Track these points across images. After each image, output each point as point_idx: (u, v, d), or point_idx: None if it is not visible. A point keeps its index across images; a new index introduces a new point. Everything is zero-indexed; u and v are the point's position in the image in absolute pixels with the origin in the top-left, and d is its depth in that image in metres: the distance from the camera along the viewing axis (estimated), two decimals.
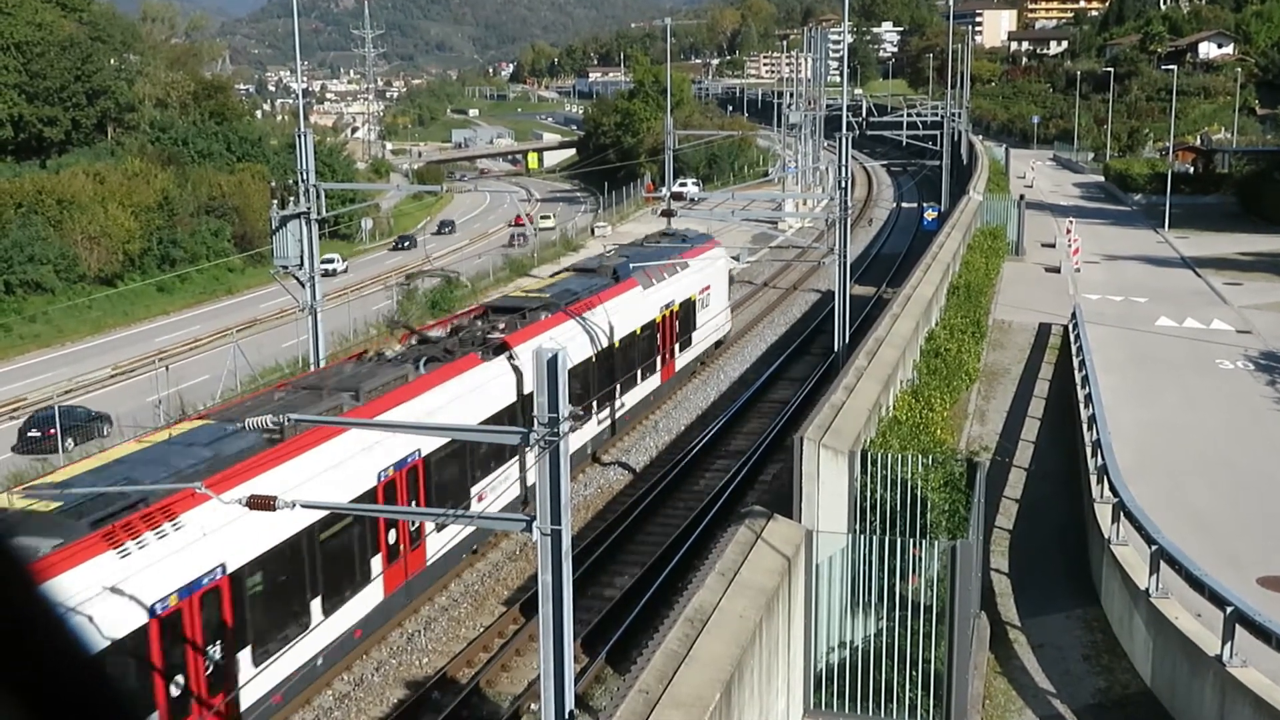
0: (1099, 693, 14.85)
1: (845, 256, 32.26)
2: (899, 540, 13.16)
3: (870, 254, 61.78)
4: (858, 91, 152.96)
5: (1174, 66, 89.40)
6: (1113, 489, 17.37)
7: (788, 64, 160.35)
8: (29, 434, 32.33)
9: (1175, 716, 14.05)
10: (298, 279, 27.75)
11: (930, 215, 60.50)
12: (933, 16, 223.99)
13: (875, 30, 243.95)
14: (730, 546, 12.78)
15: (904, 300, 26.68)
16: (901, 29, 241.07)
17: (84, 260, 58.14)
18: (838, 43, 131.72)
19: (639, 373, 31.12)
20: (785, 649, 12.58)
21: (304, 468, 16.95)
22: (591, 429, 27.73)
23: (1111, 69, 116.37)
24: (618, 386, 29.55)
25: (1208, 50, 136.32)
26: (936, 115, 79.13)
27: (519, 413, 22.82)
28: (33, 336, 50.17)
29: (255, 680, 15.23)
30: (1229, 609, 12.90)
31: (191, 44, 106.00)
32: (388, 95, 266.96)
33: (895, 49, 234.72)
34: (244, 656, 15.61)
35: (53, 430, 31.08)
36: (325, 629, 17.37)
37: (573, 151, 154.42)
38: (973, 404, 27.01)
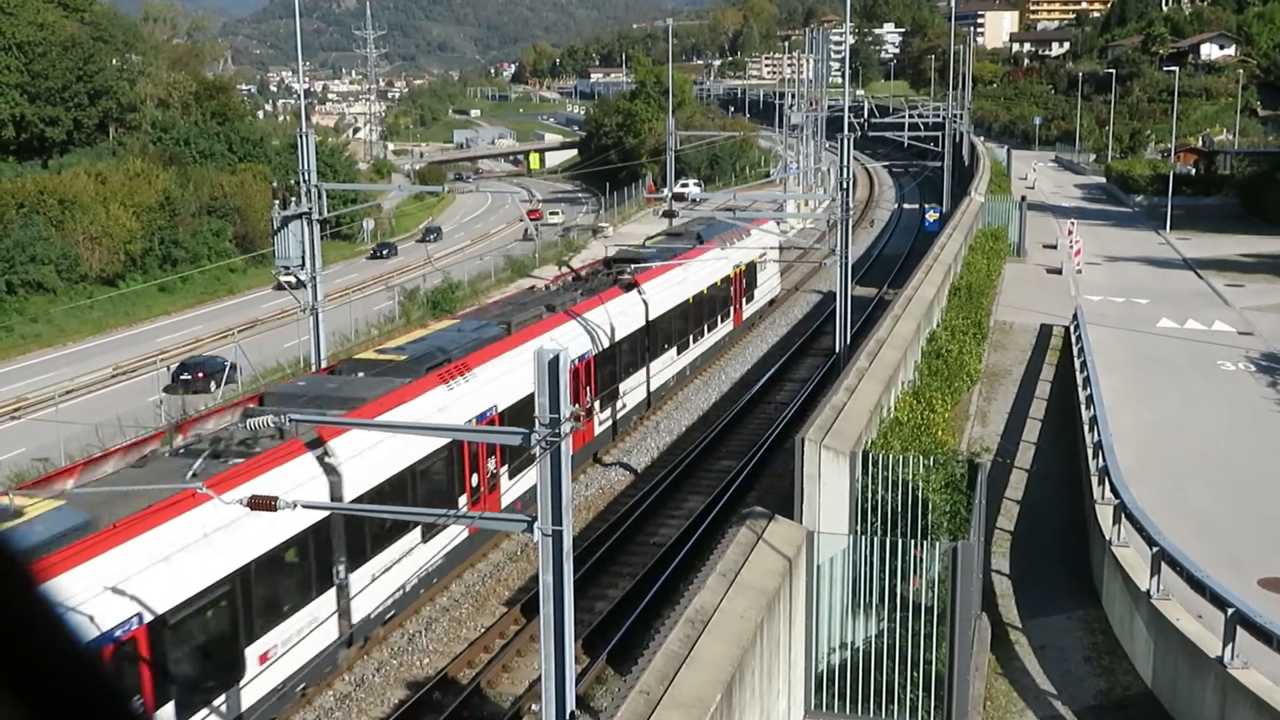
0: (1100, 694, 14.85)
1: (847, 257, 32.25)
2: (900, 541, 13.15)
3: (872, 255, 61.78)
4: (859, 92, 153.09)
5: (1176, 68, 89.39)
6: (1114, 490, 17.37)
7: (789, 65, 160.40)
8: (181, 377, 38.12)
9: (1176, 718, 14.05)
10: (299, 280, 27.74)
11: (932, 216, 60.49)
12: (934, 17, 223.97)
13: (877, 31, 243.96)
14: (731, 547, 12.78)
15: (905, 301, 26.68)
16: (903, 30, 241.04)
17: (85, 260, 58.16)
18: (839, 43, 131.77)
19: (718, 317, 38.14)
20: (786, 650, 12.58)
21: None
22: (687, 357, 35.39)
23: (1113, 70, 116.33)
24: (705, 326, 36.62)
25: (1209, 51, 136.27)
26: (938, 116, 79.13)
27: (645, 333, 31.44)
28: (34, 336, 50.19)
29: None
30: (1230, 610, 12.89)
31: (193, 44, 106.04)
32: (389, 96, 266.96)
33: (897, 50, 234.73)
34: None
35: (201, 374, 37.68)
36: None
37: (574, 152, 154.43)
38: (974, 405, 27.00)
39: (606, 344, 28.23)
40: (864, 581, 13.11)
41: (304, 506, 12.93)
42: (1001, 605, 17.32)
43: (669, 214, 41.91)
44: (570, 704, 11.82)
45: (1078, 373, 26.92)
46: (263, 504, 12.05)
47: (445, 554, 20.62)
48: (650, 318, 31.50)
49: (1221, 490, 20.29)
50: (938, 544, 13.19)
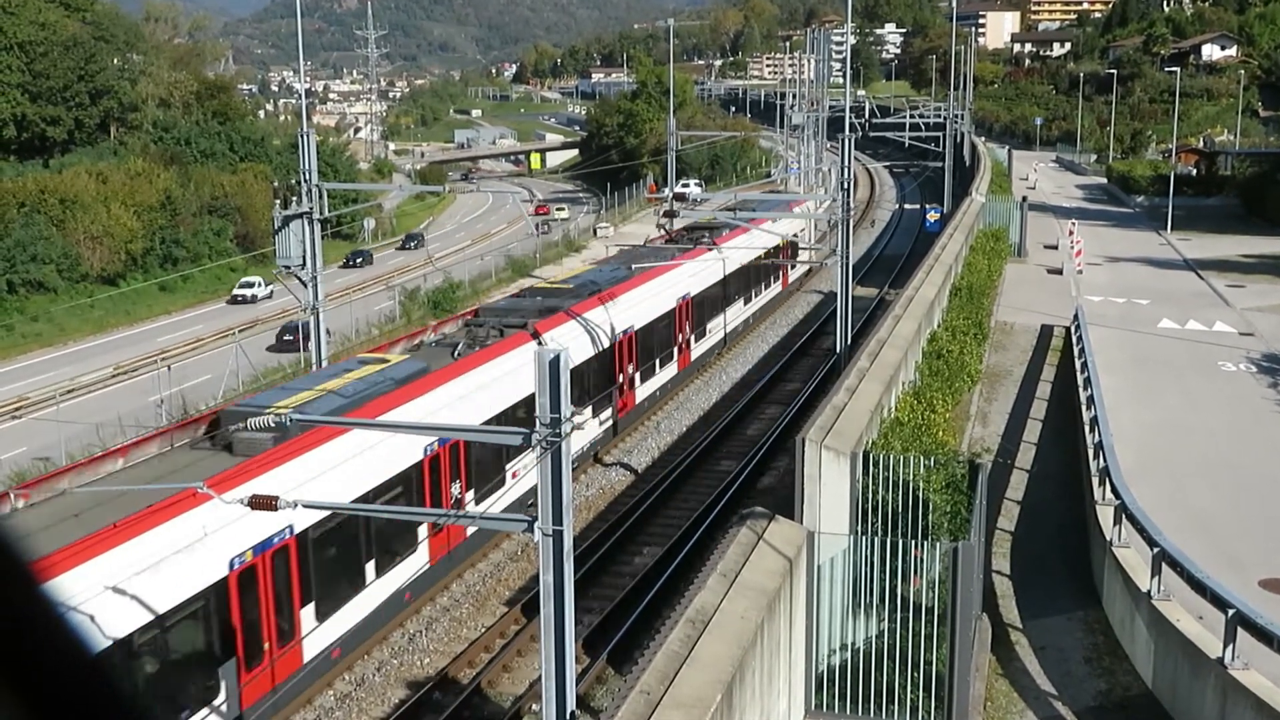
0: (1100, 695, 14.85)
1: (847, 258, 32.25)
2: (900, 542, 13.15)
3: (872, 255, 61.78)
4: (860, 93, 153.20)
5: (1177, 68, 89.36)
6: (1114, 491, 17.36)
7: (790, 65, 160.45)
8: (284, 338, 42.74)
9: (1177, 719, 14.05)
10: (300, 280, 27.76)
11: (933, 217, 60.50)
12: (935, 18, 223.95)
13: (878, 31, 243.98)
14: (732, 547, 12.78)
15: (906, 301, 26.67)
16: (904, 30, 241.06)
17: (86, 260, 58.18)
18: (840, 44, 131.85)
19: (771, 278, 44.95)
20: (786, 650, 12.58)
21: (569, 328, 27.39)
22: (752, 308, 42.17)
23: (1114, 71, 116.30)
24: (762, 284, 43.76)
25: (1211, 52, 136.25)
26: (939, 116, 79.11)
27: (723, 285, 38.23)
28: (35, 336, 50.19)
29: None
30: (1230, 611, 12.89)
31: (195, 44, 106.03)
32: (390, 95, 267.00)
33: (898, 50, 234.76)
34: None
35: (294, 336, 40.91)
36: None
37: (575, 152, 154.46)
38: (974, 405, 27.00)
39: (698, 290, 35.70)
40: (864, 582, 13.11)
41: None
42: (1002, 606, 17.32)
43: (670, 214, 41.95)
44: (571, 704, 11.82)
45: (1078, 373, 26.92)
46: None
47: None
48: (726, 272, 38.55)
49: (1222, 491, 20.29)
50: (938, 544, 13.19)
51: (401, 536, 19.70)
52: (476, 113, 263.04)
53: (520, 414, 21.94)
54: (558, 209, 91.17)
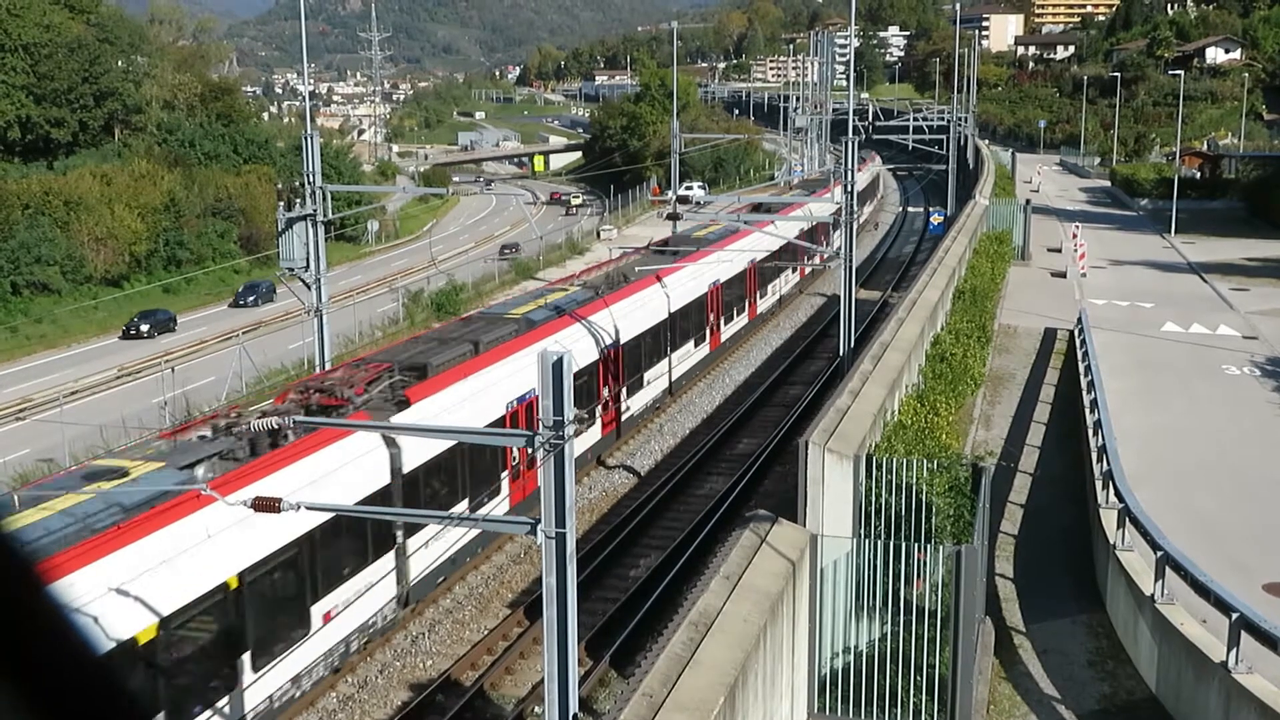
0: (1104, 699, 14.82)
1: (851, 260, 32.23)
2: (904, 545, 13.14)
3: (876, 258, 61.76)
4: (864, 95, 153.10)
5: (1181, 71, 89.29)
6: (1118, 494, 17.34)
7: (794, 68, 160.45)
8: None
9: None
10: (304, 282, 27.73)
11: (936, 219, 60.46)
12: (939, 21, 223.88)
13: (882, 34, 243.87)
14: (735, 550, 12.78)
15: (909, 304, 26.66)
16: (908, 33, 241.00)
17: (90, 261, 58.24)
18: (844, 46, 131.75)
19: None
20: (789, 653, 12.57)
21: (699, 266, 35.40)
22: (795, 278, 47.83)
23: (1118, 74, 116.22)
24: (805, 258, 46.65)
25: (1215, 55, 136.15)
26: (943, 119, 79.07)
27: (780, 255, 42.64)
28: (39, 337, 50.25)
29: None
30: (1234, 615, 12.87)
31: (199, 46, 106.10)
32: (394, 98, 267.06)
33: (902, 53, 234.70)
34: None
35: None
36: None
37: (579, 154, 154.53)
38: (978, 409, 26.98)
39: (741, 268, 39.94)
40: (867, 585, 13.10)
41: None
42: (1005, 609, 17.30)
43: (673, 216, 42.02)
44: (573, 706, 11.81)
45: (1082, 376, 26.89)
46: None
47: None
48: (777, 247, 41.87)
49: (1226, 495, 20.26)
50: (941, 548, 13.17)
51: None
52: (480, 115, 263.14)
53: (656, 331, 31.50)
54: (573, 196, 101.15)
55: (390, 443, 18.99)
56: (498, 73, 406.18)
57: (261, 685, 16.03)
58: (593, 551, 22.51)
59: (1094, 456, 20.57)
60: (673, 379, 33.65)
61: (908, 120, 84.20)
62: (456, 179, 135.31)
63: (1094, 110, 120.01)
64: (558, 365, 11.10)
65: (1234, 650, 12.85)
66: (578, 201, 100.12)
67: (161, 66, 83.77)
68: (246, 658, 15.74)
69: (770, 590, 12.04)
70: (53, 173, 67.23)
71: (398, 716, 17.26)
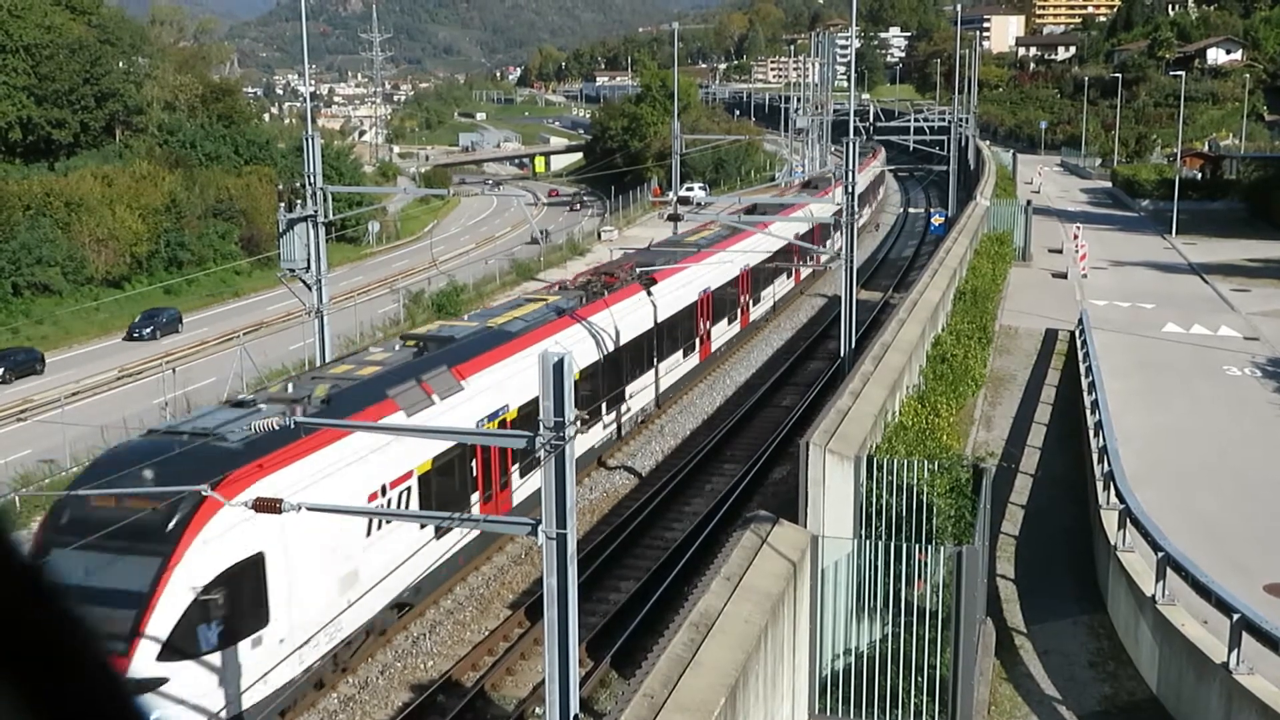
0: (1105, 699, 14.82)
1: (852, 261, 32.23)
2: (905, 546, 13.14)
3: (877, 259, 61.76)
4: (865, 96, 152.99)
5: (1182, 72, 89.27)
6: (1119, 495, 17.34)
7: (795, 68, 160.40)
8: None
9: None
10: (305, 283, 27.75)
11: (937, 220, 60.47)
12: (940, 21, 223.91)
13: (883, 35, 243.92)
14: (735, 551, 12.78)
15: (910, 305, 26.67)
16: (909, 34, 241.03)
17: (91, 262, 58.26)
18: (845, 47, 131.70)
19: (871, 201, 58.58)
20: (790, 654, 12.57)
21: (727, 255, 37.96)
22: (785, 286, 47.81)
23: (1119, 75, 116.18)
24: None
25: (1216, 56, 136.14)
26: (944, 120, 79.09)
27: (814, 234, 48.19)
28: (40, 338, 50.24)
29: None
30: (1235, 616, 12.86)
31: (200, 47, 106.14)
32: (395, 98, 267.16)
33: (903, 54, 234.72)
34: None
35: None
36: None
37: (580, 155, 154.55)
38: (979, 410, 26.98)
39: (767, 255, 41.88)
40: (868, 586, 13.10)
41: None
42: (1006, 610, 17.29)
43: (674, 217, 42.08)
44: (574, 707, 11.81)
45: (1083, 377, 26.88)
46: None
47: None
48: (806, 231, 47.16)
49: (1227, 495, 20.25)
50: (942, 548, 13.17)
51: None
52: (481, 116, 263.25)
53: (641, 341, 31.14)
54: (575, 197, 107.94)
55: (599, 329, 28.43)
56: (498, 74, 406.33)
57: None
58: (594, 552, 22.52)
59: (1095, 457, 20.57)
60: (659, 390, 32.61)
61: (909, 121, 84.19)
62: (463, 180, 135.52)
63: (1095, 111, 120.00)
64: (558, 366, 11.10)
65: (1235, 651, 12.84)
66: (571, 190, 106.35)
67: (163, 67, 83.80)
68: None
69: (771, 591, 12.04)
70: (54, 174, 67.24)
71: (399, 717, 17.26)
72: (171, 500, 14.89)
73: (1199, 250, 53.55)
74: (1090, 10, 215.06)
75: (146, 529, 14.81)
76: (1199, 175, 77.31)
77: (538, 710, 16.47)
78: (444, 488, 20.37)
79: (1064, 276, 46.04)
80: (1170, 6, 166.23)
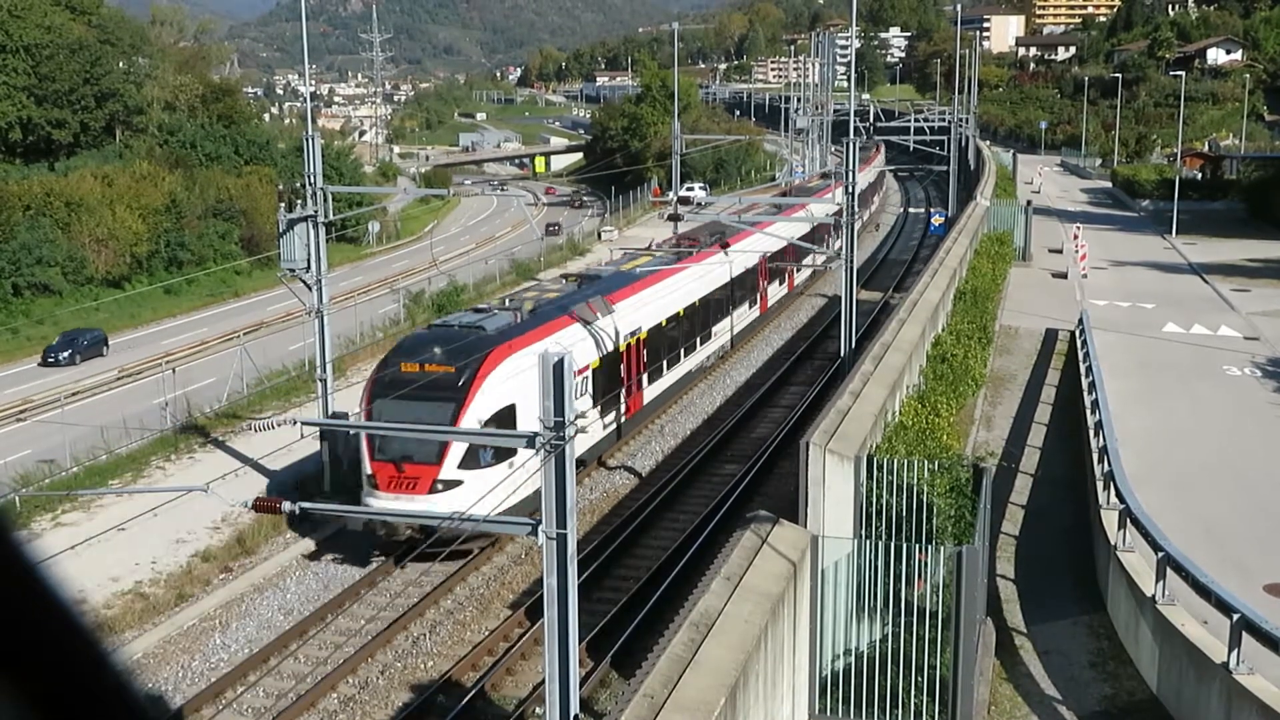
0: (1105, 700, 14.82)
1: (852, 261, 32.24)
2: (905, 546, 13.14)
3: (877, 259, 61.76)
4: (865, 96, 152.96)
5: (1182, 72, 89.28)
6: (1119, 495, 17.34)
7: (795, 69, 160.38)
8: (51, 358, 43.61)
9: None
10: (305, 283, 27.76)
11: (937, 220, 60.47)
12: (940, 22, 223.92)
13: (883, 35, 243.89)
14: (736, 551, 12.78)
15: (910, 305, 26.67)
16: (909, 34, 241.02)
17: (92, 262, 58.24)
18: (845, 47, 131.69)
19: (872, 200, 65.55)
20: (790, 654, 12.57)
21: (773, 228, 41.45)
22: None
23: (1119, 75, 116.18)
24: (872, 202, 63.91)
25: (1216, 56, 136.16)
26: (944, 120, 79.09)
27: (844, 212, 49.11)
28: (40, 338, 50.19)
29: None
30: (1236, 616, 12.86)
31: (200, 47, 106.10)
32: (395, 99, 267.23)
33: (903, 54, 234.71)
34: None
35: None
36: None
37: (580, 156, 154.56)
38: (979, 410, 26.98)
39: (805, 231, 46.90)
40: (869, 586, 13.10)
41: None
42: (1006, 610, 17.30)
43: (674, 217, 42.14)
44: (574, 707, 11.82)
45: (1083, 377, 26.89)
46: None
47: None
48: (834, 211, 51.13)
49: (1227, 495, 20.25)
50: (942, 548, 13.18)
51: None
52: (481, 116, 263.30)
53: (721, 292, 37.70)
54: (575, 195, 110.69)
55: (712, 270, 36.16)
56: (499, 74, 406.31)
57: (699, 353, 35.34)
58: (594, 552, 22.52)
59: (1095, 457, 20.57)
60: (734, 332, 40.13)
61: (909, 121, 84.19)
62: (469, 181, 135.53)
63: (1095, 111, 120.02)
64: (558, 367, 11.11)
65: (1235, 651, 12.85)
66: (565, 187, 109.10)
67: (163, 68, 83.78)
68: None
69: (771, 591, 12.04)
70: (54, 174, 67.22)
71: (399, 717, 17.26)
72: (459, 366, 22.40)
73: (1199, 250, 53.55)
74: (1090, 10, 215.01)
75: (445, 385, 22.20)
76: (1199, 175, 77.31)
77: (538, 710, 16.47)
78: (603, 380, 27.73)
79: (1064, 276, 46.04)
80: (1170, 6, 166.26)
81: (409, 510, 20.62)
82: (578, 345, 25.97)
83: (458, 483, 21.72)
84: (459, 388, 22.26)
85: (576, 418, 11.04)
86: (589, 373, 26.80)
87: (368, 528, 22.12)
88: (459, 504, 19.00)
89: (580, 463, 24.30)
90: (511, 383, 22.70)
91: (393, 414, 21.75)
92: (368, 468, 22.62)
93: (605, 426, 27.96)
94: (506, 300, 28.86)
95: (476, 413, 22.00)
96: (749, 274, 40.93)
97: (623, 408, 28.99)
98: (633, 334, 29.69)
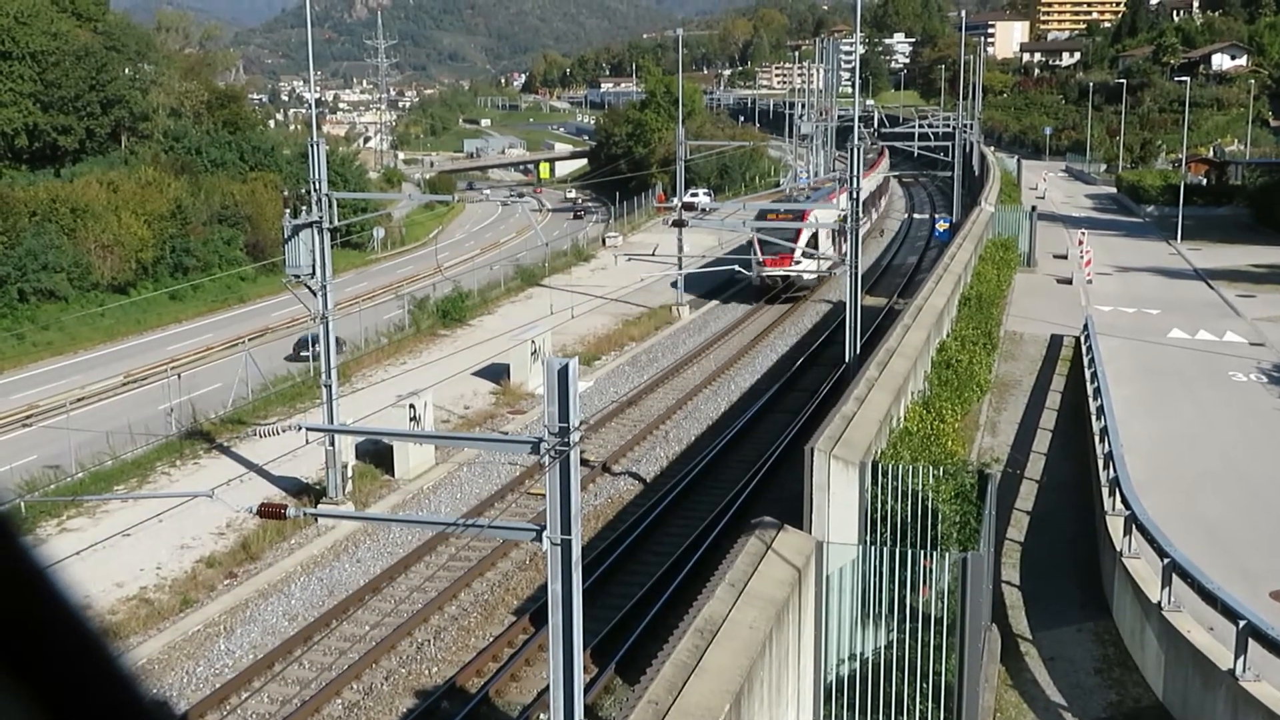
0: (1110, 706, 14.79)
1: (857, 267, 32.24)
2: (910, 552, 13.13)
3: (882, 265, 61.74)
4: (869, 102, 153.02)
5: (1187, 78, 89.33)
6: (1124, 501, 17.31)
7: (799, 75, 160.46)
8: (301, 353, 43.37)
9: None
10: (310, 289, 27.80)
11: (942, 226, 60.44)
12: (945, 27, 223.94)
13: (887, 41, 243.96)
14: (740, 557, 12.76)
15: (915, 311, 26.65)
16: (913, 40, 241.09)
17: (97, 268, 58.34)
18: (849, 53, 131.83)
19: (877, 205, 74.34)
20: (795, 660, 12.56)
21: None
22: (874, 215, 68.78)
23: (1124, 80, 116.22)
24: (882, 201, 76.84)
25: (1220, 62, 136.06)
26: (948, 126, 79.09)
27: (873, 198, 66.56)
28: (46, 344, 50.31)
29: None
30: (1241, 622, 12.84)
31: (205, 53, 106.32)
32: (400, 105, 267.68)
33: (907, 60, 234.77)
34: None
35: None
36: None
37: (584, 161, 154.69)
38: (984, 415, 26.96)
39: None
40: (873, 592, 13.09)
41: None
42: (1012, 616, 17.27)
43: (679, 223, 42.10)
44: (579, 713, 11.80)
45: (1088, 383, 26.86)
46: None
47: None
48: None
49: (1233, 502, 20.21)
50: (947, 555, 13.16)
51: None
52: (486, 122, 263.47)
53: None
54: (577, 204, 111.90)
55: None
56: (503, 80, 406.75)
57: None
58: (598, 558, 22.52)
59: (1100, 463, 20.55)
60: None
61: (913, 127, 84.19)
62: (470, 185, 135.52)
63: (1100, 117, 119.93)
64: (563, 372, 11.11)
65: (1241, 658, 12.82)
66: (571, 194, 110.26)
67: (168, 74, 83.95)
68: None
69: (776, 597, 12.03)
70: (60, 180, 67.31)
71: None
72: (795, 214, 49.12)
73: (1204, 256, 53.50)
74: (1095, 16, 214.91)
75: (795, 217, 48.99)
76: (1204, 181, 77.22)
77: (542, 716, 16.45)
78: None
79: (1069, 282, 46.00)
80: (1175, 12, 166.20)
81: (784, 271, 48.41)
82: (827, 212, 48.61)
83: (798, 261, 47.88)
84: (799, 217, 48.86)
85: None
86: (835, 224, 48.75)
87: (759, 280, 48.14)
88: (805, 268, 48.44)
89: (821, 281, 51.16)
90: (821, 217, 49.02)
91: (767, 231, 44.73)
92: (759, 256, 47.63)
93: (840, 253, 45.40)
94: (795, 193, 51.81)
95: (806, 232, 48.54)
96: (874, 194, 65.81)
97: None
98: (842, 210, 45.31)
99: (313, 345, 38.53)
